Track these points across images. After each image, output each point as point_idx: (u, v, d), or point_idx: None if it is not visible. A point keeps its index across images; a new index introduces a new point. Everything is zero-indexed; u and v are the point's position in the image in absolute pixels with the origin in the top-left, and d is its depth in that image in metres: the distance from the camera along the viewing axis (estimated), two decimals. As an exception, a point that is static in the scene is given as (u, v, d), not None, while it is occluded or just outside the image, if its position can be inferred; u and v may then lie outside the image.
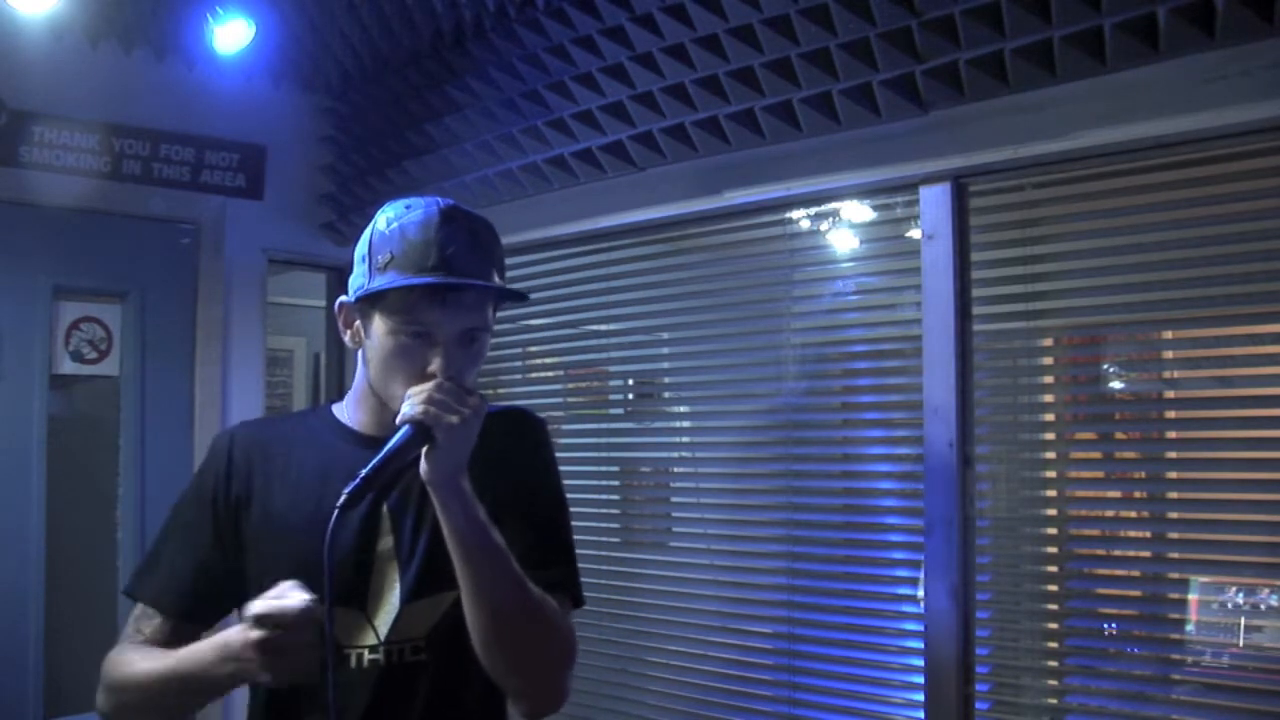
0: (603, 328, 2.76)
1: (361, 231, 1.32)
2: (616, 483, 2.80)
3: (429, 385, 1.19)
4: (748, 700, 2.33)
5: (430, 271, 1.21)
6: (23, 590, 2.68)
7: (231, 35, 2.65)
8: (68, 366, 2.87)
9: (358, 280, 1.28)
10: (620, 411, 2.87)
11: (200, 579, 1.34)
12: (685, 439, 2.67)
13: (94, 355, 2.93)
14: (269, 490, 1.33)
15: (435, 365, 1.21)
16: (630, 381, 2.85)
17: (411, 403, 1.17)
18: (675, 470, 2.72)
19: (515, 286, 1.30)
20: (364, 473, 1.14)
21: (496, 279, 1.28)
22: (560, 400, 2.90)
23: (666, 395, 2.74)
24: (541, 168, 2.52)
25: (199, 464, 1.41)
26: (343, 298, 1.32)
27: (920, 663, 2.02)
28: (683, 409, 2.67)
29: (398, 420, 1.18)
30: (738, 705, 2.35)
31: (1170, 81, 1.68)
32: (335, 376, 3.50)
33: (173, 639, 1.30)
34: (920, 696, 2.02)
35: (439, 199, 1.28)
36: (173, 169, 2.92)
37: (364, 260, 1.28)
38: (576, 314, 2.79)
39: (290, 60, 3.03)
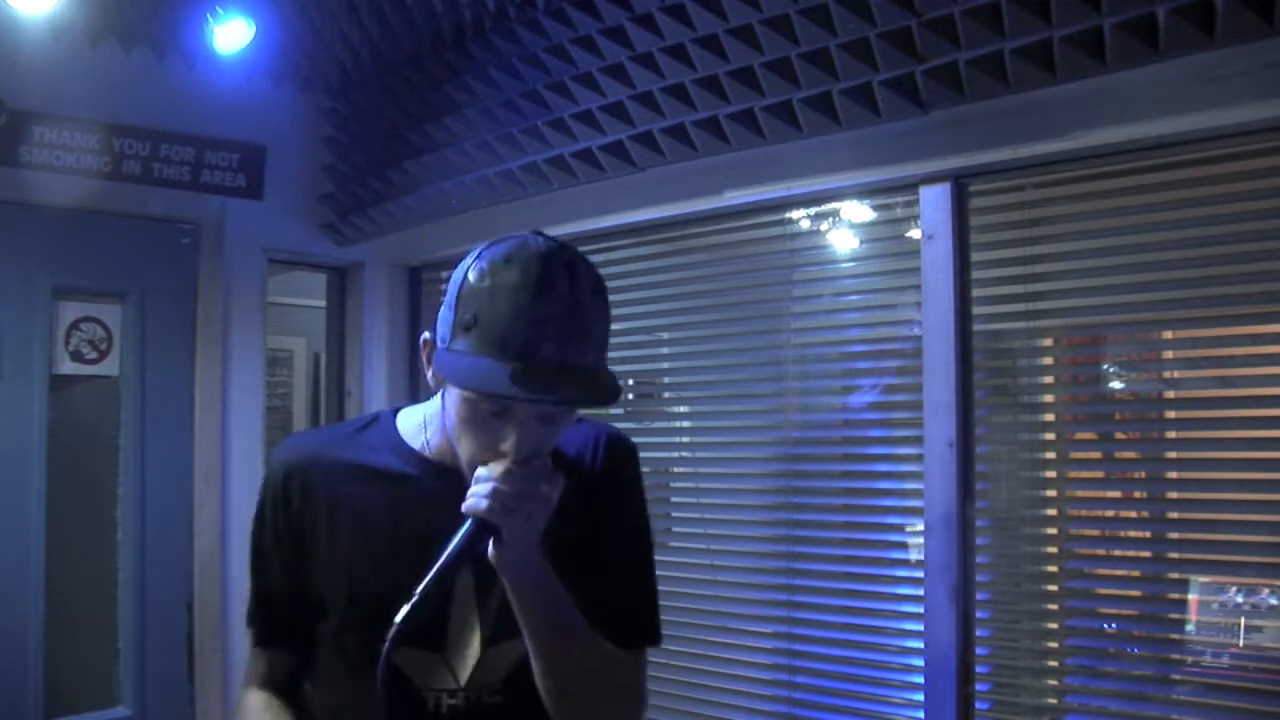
0: (603, 328, 2.76)
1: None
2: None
3: (497, 473, 1.10)
4: (748, 700, 2.33)
5: (514, 358, 1.06)
6: (23, 590, 2.67)
7: (231, 35, 2.65)
8: (68, 367, 2.87)
9: (442, 328, 1.15)
10: (620, 411, 2.87)
11: (280, 612, 1.32)
12: (685, 439, 2.67)
13: (94, 355, 2.93)
14: (333, 525, 1.26)
15: (508, 444, 1.11)
16: (630, 381, 2.85)
17: (477, 494, 1.09)
18: (675, 470, 2.72)
19: (611, 381, 1.14)
20: (421, 589, 1.07)
21: (591, 358, 1.13)
22: (560, 400, 2.90)
23: (666, 395, 2.74)
24: (541, 168, 2.52)
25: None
26: (427, 334, 1.19)
27: (920, 663, 2.02)
28: (683, 409, 2.67)
29: (464, 507, 1.10)
30: (738, 705, 2.35)
31: (1170, 81, 1.68)
32: (335, 376, 3.50)
33: (277, 667, 1.33)
34: (920, 696, 2.02)
35: (543, 249, 1.11)
36: (173, 169, 2.91)
37: (451, 307, 1.14)
38: (576, 314, 2.78)
39: (290, 60, 3.03)
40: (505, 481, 1.09)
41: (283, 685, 1.33)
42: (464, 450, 1.16)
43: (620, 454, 1.34)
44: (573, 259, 1.14)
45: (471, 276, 1.12)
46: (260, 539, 1.31)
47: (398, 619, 1.06)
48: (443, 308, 1.16)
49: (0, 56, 2.62)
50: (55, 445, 2.78)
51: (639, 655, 1.31)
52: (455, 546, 1.09)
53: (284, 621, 1.33)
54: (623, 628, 1.27)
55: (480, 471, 1.12)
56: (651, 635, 1.32)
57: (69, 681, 2.76)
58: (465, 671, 1.24)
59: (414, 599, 1.07)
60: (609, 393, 1.13)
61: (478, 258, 1.13)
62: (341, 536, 1.25)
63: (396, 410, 1.35)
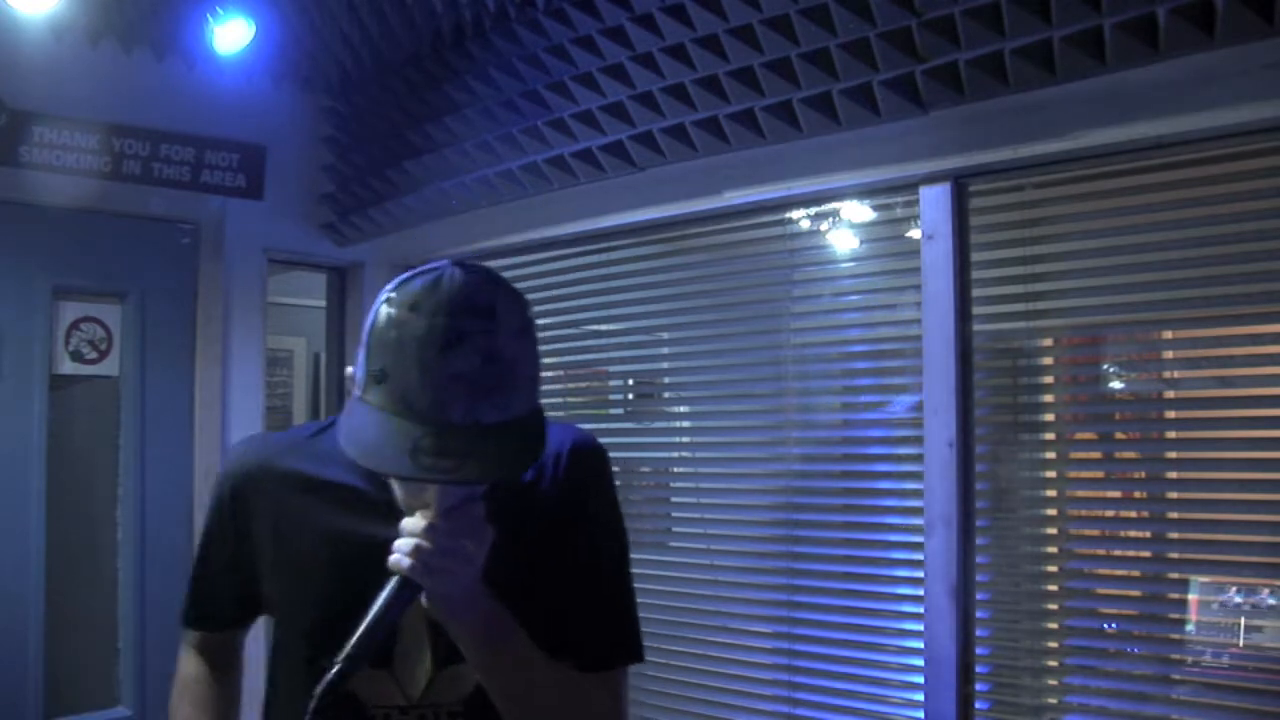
0: (603, 328, 2.76)
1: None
2: (617, 483, 2.79)
3: (420, 528, 1.04)
4: (748, 700, 2.33)
5: (422, 422, 0.99)
6: (23, 590, 2.67)
7: (231, 35, 2.65)
8: (68, 367, 2.87)
9: (359, 370, 1.08)
10: (620, 411, 2.87)
11: (223, 602, 1.34)
12: (685, 439, 2.67)
13: (94, 355, 2.93)
14: (277, 536, 1.23)
15: (430, 492, 1.06)
16: (630, 381, 2.85)
17: (400, 550, 1.04)
18: (675, 470, 2.72)
19: (533, 437, 1.05)
20: (347, 651, 1.01)
21: (516, 406, 1.03)
22: (560, 400, 2.90)
23: (666, 395, 2.74)
24: (541, 168, 2.52)
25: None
26: (350, 369, 1.12)
27: (920, 663, 2.02)
28: (683, 409, 2.67)
29: (389, 562, 1.04)
30: (737, 705, 2.35)
31: (1170, 81, 1.68)
32: (335, 376, 3.50)
33: (213, 644, 1.37)
34: (920, 696, 2.02)
35: (455, 291, 1.02)
36: (173, 169, 2.91)
37: (365, 347, 1.07)
38: (576, 314, 2.79)
39: (290, 60, 3.03)
40: (427, 538, 1.03)
41: (219, 652, 1.37)
42: (395, 490, 1.12)
43: (586, 459, 1.26)
44: (491, 298, 1.03)
45: (381, 320, 1.04)
46: (206, 538, 1.31)
47: (319, 688, 1.00)
48: (360, 344, 1.08)
49: (0, 56, 2.62)
50: (55, 445, 2.78)
51: (617, 675, 1.24)
52: (381, 605, 1.03)
53: (219, 612, 1.35)
54: (599, 646, 1.22)
55: (405, 522, 1.06)
56: (630, 652, 1.25)
57: (69, 681, 2.76)
58: (416, 689, 1.18)
59: (338, 665, 1.01)
60: (525, 456, 1.04)
61: (387, 301, 1.04)
62: (284, 548, 1.22)
63: None
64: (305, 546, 1.21)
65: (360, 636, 1.02)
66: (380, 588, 1.04)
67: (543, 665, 1.15)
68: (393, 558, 1.04)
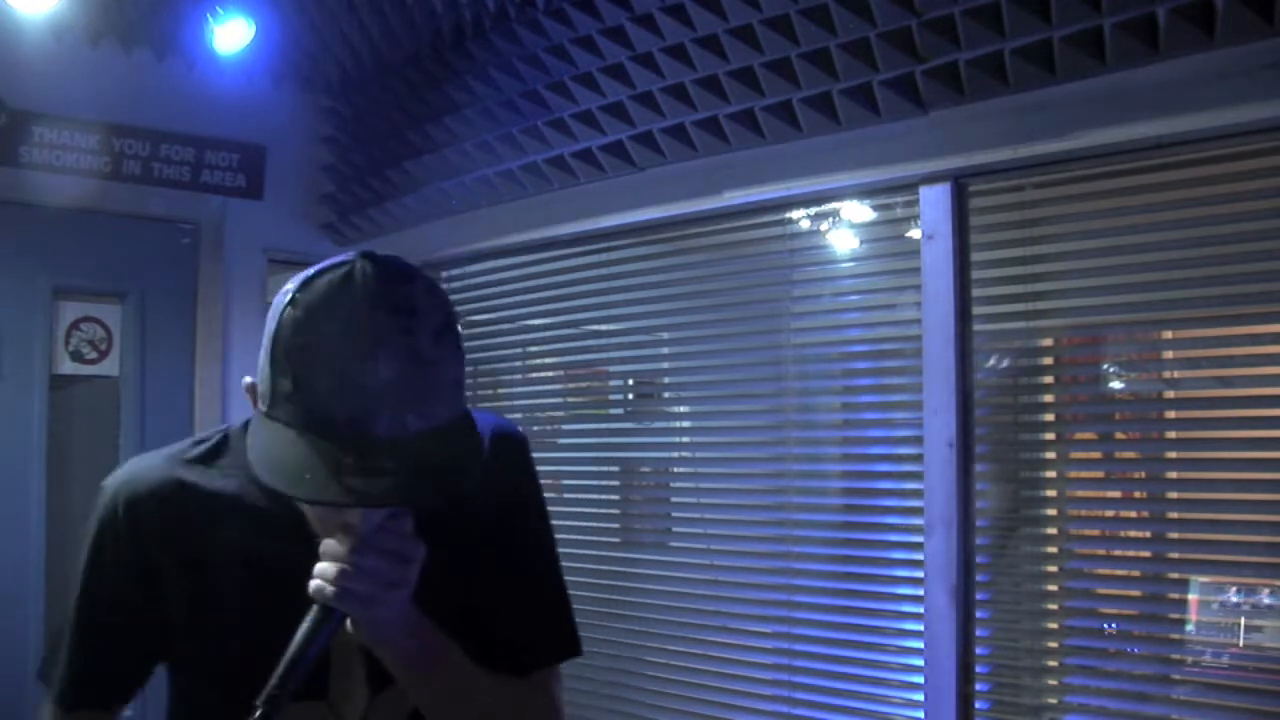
0: (603, 328, 2.76)
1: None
2: (616, 483, 2.80)
3: (343, 552, 0.92)
4: (747, 700, 2.33)
5: (341, 439, 0.88)
6: (23, 590, 2.68)
7: (231, 35, 2.65)
8: (68, 366, 2.87)
9: (262, 382, 0.94)
10: (620, 411, 2.87)
11: (119, 661, 1.15)
12: (685, 439, 2.67)
13: (94, 355, 2.93)
14: (180, 565, 1.08)
15: (353, 515, 0.93)
16: (630, 381, 2.85)
17: (323, 576, 0.92)
18: (675, 470, 2.72)
19: (468, 441, 0.94)
20: (268, 691, 0.89)
21: (443, 411, 0.92)
22: (560, 400, 2.90)
23: (666, 395, 2.74)
24: (541, 168, 2.52)
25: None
26: (249, 379, 0.98)
27: (920, 663, 2.02)
28: (683, 409, 2.67)
29: (310, 589, 0.93)
30: (737, 705, 2.35)
31: (1170, 81, 1.68)
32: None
33: None
34: (920, 696, 2.02)
35: (371, 288, 0.89)
36: (173, 169, 2.92)
37: (268, 357, 0.92)
38: (576, 314, 2.79)
39: (290, 60, 3.03)
40: (351, 563, 0.92)
41: None
42: (307, 510, 0.99)
43: (507, 449, 1.14)
44: (410, 293, 0.91)
45: (288, 327, 0.90)
46: (92, 584, 1.12)
47: None
48: (262, 351, 0.94)
49: (0, 56, 2.63)
50: (55, 445, 2.78)
51: (553, 674, 1.17)
52: (303, 638, 0.92)
53: (114, 676, 1.15)
54: (535, 645, 1.15)
55: (326, 544, 0.94)
56: (568, 647, 1.18)
57: (69, 681, 2.76)
58: (353, 718, 1.09)
59: (259, 708, 0.89)
60: (464, 468, 0.92)
61: (291, 302, 0.91)
62: (186, 581, 1.08)
63: (247, 424, 1.04)
64: (211, 578, 1.07)
65: (282, 673, 0.91)
66: (299, 618, 0.93)
67: (479, 679, 1.08)
68: (314, 584, 0.92)
